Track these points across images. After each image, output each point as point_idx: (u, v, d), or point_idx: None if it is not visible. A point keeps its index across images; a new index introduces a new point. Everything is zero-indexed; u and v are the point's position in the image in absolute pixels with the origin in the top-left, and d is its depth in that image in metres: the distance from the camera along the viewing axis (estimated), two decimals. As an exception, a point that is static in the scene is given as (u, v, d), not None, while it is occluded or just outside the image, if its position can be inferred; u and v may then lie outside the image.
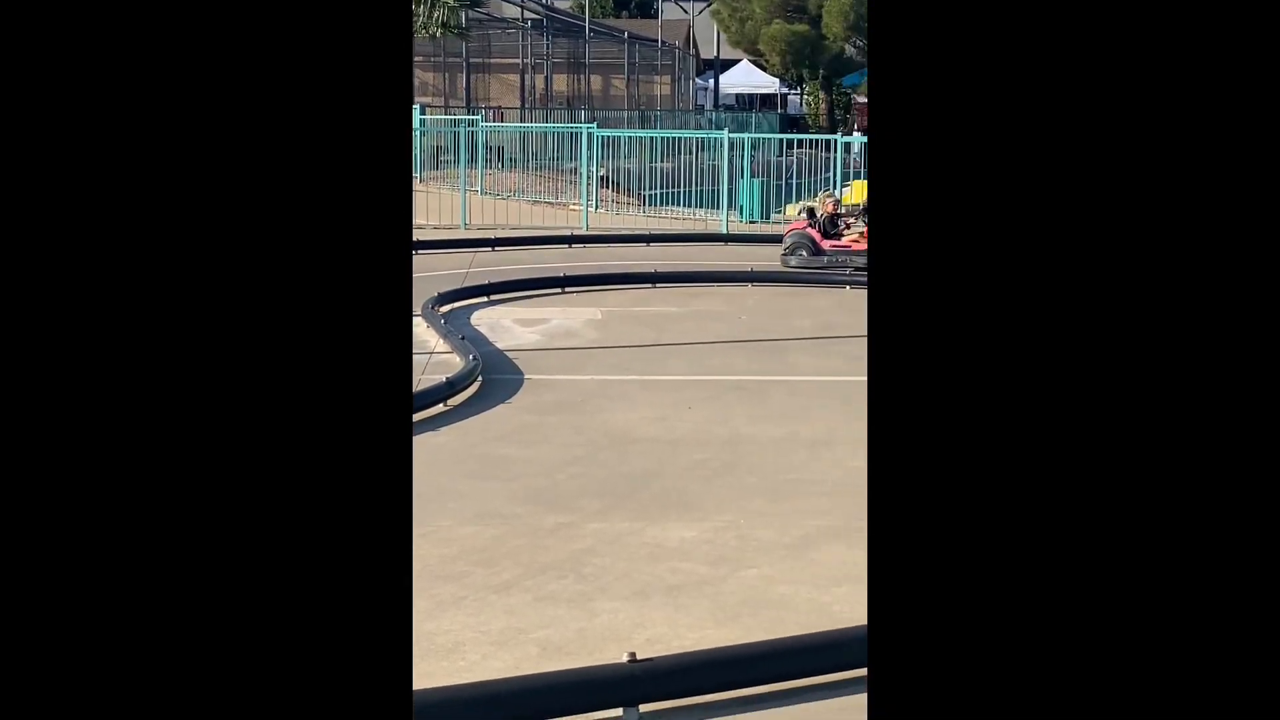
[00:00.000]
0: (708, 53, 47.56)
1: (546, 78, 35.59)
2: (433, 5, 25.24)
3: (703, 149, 24.98)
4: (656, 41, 40.70)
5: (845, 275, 15.72)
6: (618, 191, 24.69)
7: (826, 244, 16.49)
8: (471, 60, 35.89)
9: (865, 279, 15.21)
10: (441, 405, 8.57)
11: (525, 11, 35.72)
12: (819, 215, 17.01)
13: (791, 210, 24.37)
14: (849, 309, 13.66)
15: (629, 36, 38.24)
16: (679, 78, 42.73)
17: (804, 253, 16.48)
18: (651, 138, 25.75)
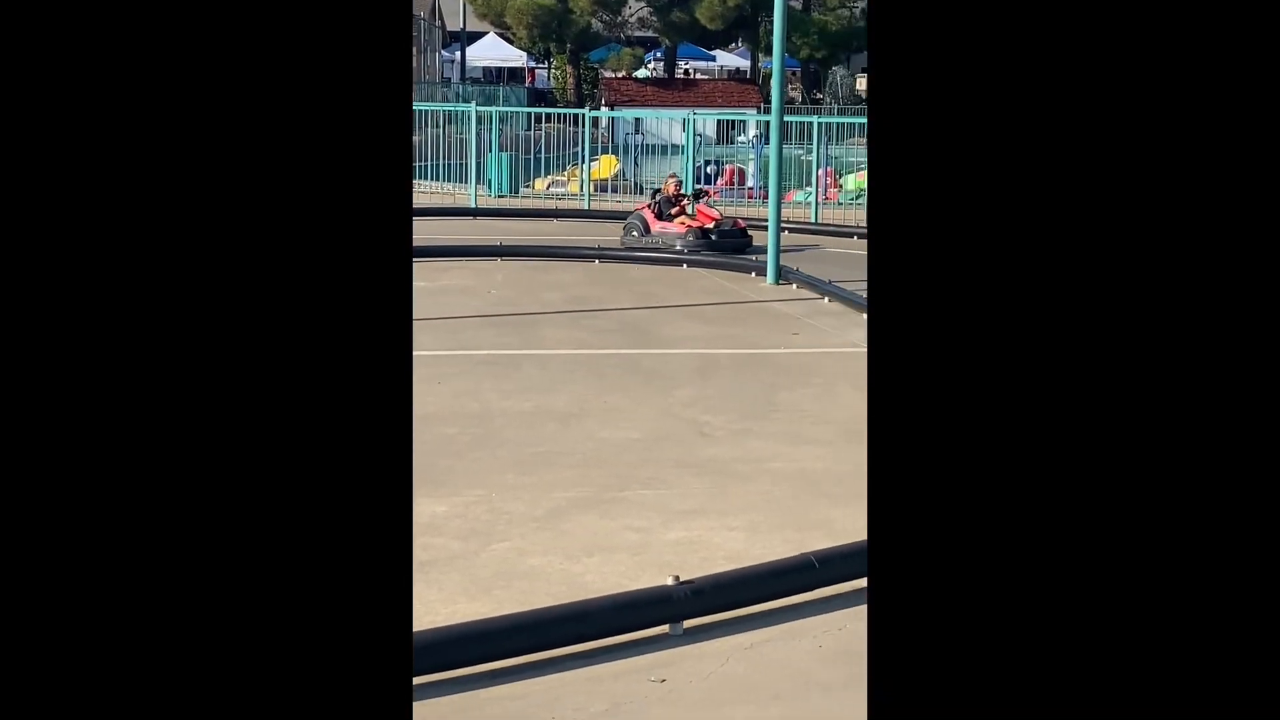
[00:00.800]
0: (454, 25, 47.18)
1: (289, 48, 34.78)
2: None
3: (450, 122, 24.81)
4: (402, 12, 40.10)
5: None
6: (364, 164, 24.29)
7: (657, 225, 16.39)
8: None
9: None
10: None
11: (266, -21, 34.84)
12: (659, 196, 16.93)
13: (540, 184, 24.40)
14: (597, 282, 13.78)
15: (374, 7, 37.60)
16: (425, 49, 42.30)
17: (635, 233, 16.50)
18: (398, 110, 25.39)
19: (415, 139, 24.73)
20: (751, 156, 25.09)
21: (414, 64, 40.45)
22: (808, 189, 23.06)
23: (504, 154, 23.73)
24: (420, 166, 24.03)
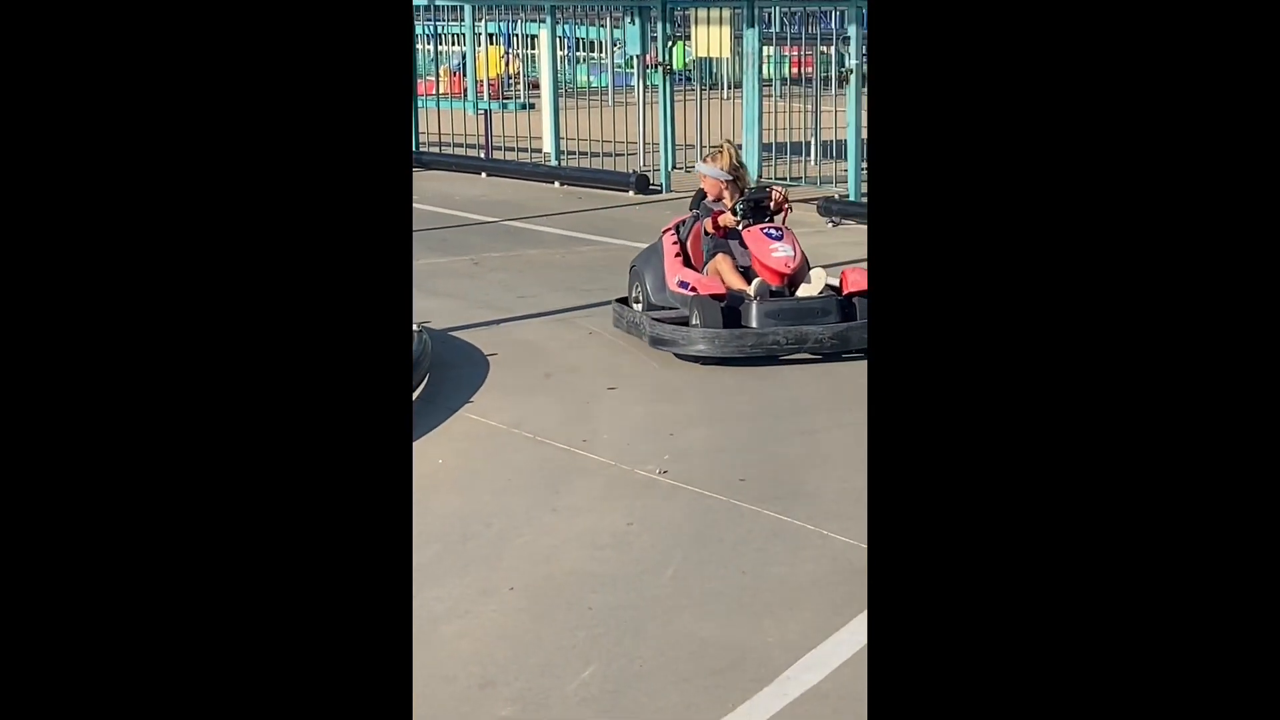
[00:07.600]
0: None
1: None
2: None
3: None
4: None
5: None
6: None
7: (674, 280, 8.50)
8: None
9: None
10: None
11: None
12: (701, 203, 8.26)
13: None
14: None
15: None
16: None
17: (635, 292, 8.88)
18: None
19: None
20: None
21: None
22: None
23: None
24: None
